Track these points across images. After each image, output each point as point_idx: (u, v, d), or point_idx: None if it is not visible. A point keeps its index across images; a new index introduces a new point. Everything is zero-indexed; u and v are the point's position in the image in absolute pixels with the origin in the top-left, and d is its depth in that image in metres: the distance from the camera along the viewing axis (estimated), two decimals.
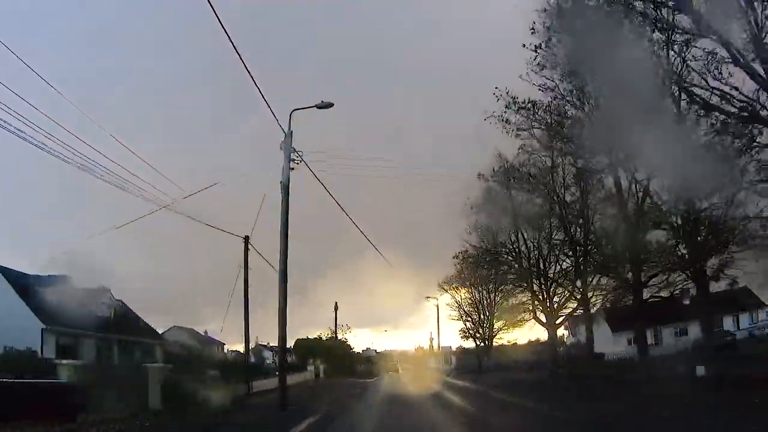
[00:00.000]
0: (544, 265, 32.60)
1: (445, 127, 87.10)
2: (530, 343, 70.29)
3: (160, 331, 46.33)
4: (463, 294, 56.82)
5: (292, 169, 20.43)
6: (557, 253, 31.30)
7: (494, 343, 59.39)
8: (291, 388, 31.31)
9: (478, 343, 60.77)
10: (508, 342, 60.59)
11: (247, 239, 26.78)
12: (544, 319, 34.63)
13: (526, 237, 32.41)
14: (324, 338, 69.27)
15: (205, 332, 62.57)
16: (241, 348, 74.93)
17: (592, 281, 29.49)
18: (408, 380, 47.45)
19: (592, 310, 30.96)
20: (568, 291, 31.83)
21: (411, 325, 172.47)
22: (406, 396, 25.60)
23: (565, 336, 78.71)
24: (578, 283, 30.80)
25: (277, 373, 42.03)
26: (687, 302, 28.64)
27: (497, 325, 56.03)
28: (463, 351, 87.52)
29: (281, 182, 20.09)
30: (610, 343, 57.96)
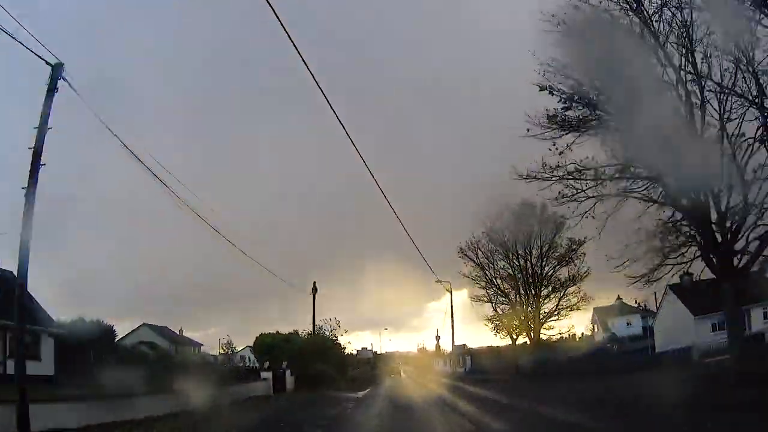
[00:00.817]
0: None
1: None
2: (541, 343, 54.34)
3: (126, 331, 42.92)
4: (496, 262, 41.83)
5: None
6: None
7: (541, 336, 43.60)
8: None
9: (515, 336, 45.11)
10: (560, 334, 45.18)
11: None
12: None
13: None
14: (306, 335, 50.55)
15: (180, 331, 59.19)
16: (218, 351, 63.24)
17: None
18: (420, 395, 30.66)
19: None
20: None
21: (413, 327, 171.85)
22: None
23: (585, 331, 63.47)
24: None
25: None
26: None
27: (545, 308, 40.87)
28: (469, 351, 72.84)
29: None
30: (691, 331, 43.86)
